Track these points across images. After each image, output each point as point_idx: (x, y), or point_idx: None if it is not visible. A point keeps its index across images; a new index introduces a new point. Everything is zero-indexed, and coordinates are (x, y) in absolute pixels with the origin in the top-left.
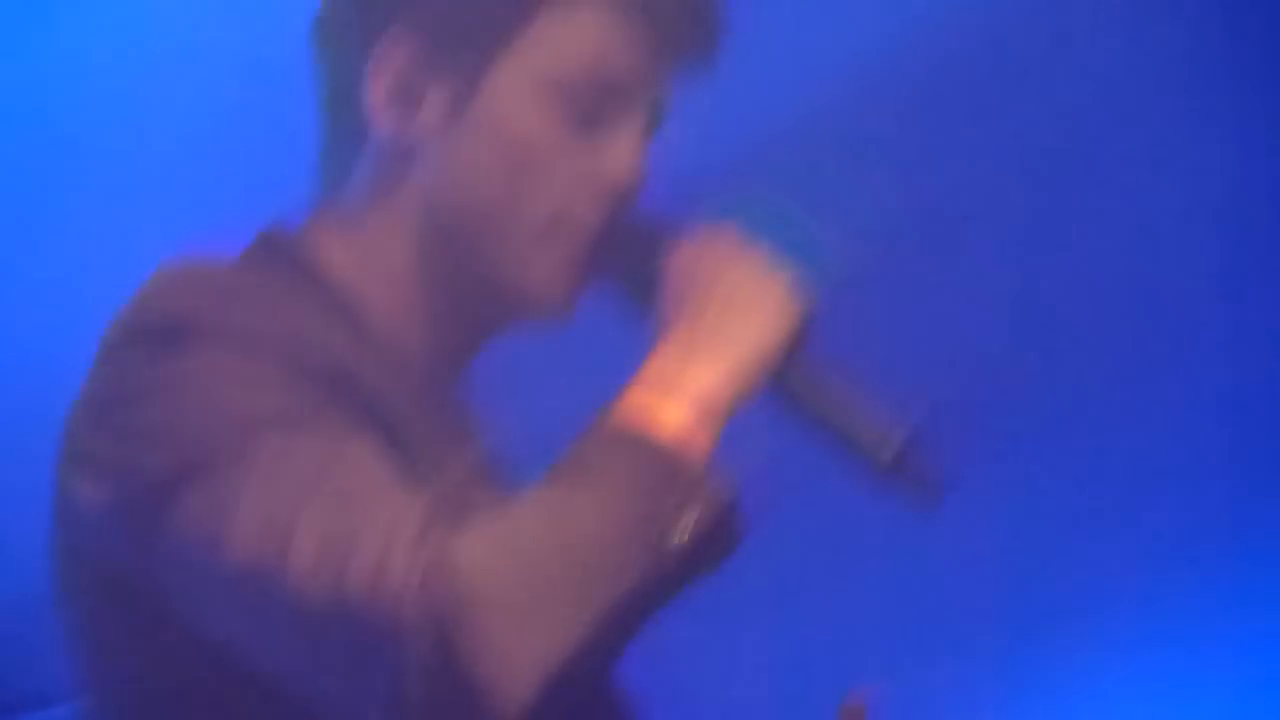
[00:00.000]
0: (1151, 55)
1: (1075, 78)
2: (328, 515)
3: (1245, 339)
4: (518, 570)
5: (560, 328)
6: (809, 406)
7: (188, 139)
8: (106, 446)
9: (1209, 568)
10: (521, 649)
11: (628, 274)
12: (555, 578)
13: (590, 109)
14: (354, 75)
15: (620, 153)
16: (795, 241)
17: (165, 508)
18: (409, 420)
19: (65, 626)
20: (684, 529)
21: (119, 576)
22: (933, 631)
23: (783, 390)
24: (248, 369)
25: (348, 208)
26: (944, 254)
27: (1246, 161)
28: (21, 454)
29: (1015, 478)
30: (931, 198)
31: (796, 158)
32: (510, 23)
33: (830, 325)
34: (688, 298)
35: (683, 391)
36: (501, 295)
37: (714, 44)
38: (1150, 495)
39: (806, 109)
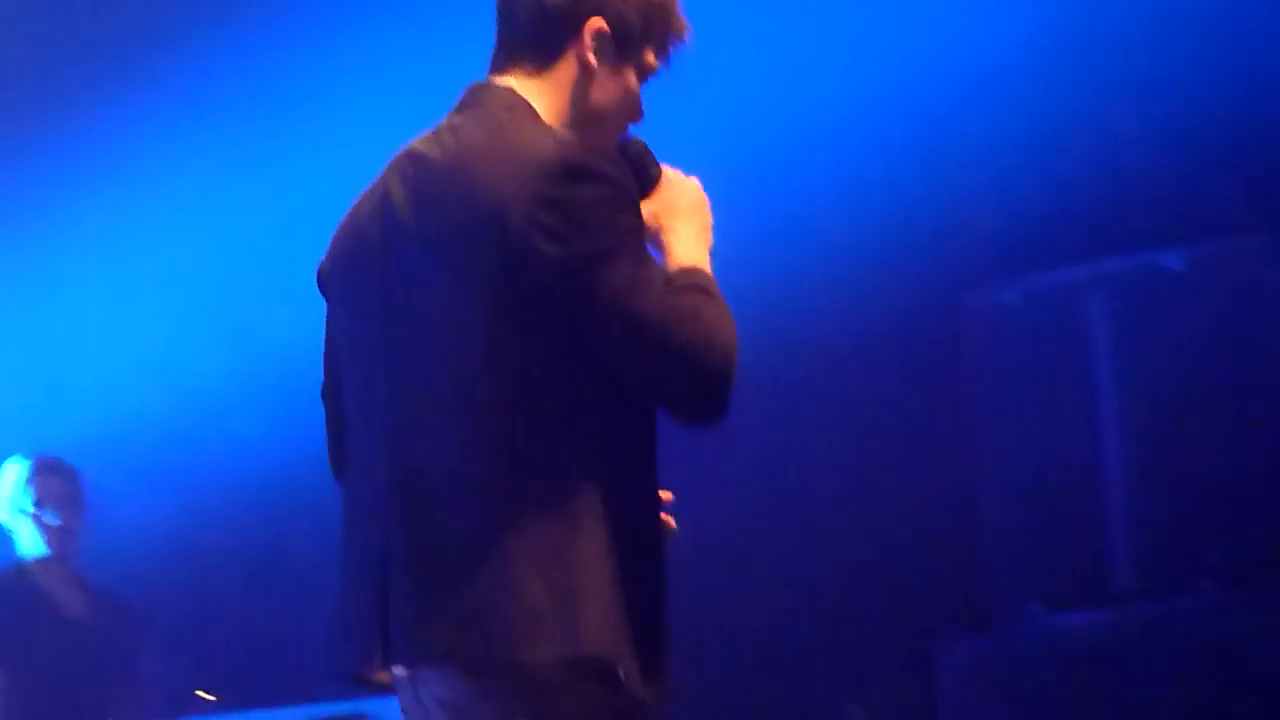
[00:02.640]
0: None
1: None
2: (667, 293)
3: None
4: (731, 328)
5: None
6: None
7: None
8: (561, 224)
9: None
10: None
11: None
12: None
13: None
14: (569, 24)
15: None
16: None
17: (598, 266)
18: None
19: (489, 351)
20: None
21: (542, 307)
22: None
23: None
24: (631, 199)
25: (533, 79)
26: None
27: None
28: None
29: None
30: None
31: None
32: (643, 41)
33: None
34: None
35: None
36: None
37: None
38: None
39: None
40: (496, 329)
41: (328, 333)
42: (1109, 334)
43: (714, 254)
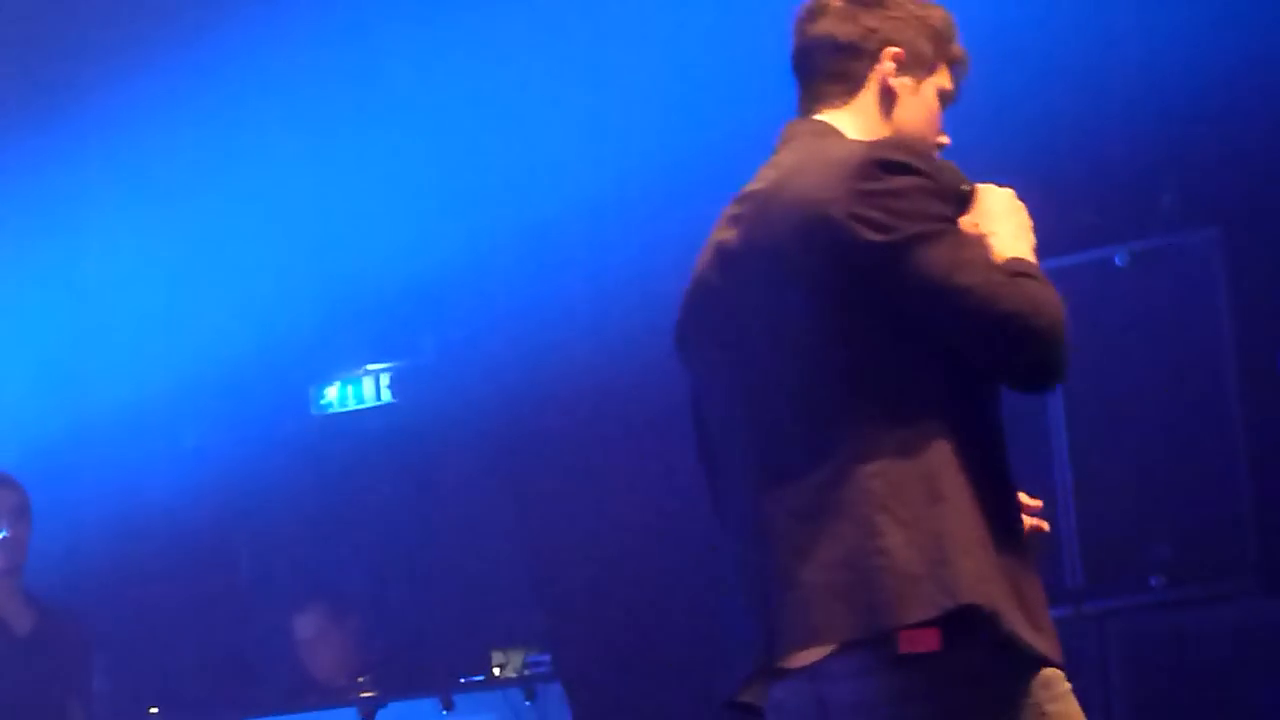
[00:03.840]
0: None
1: None
2: (990, 271)
3: None
4: (1057, 300)
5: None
6: None
7: None
8: (881, 214)
9: None
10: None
11: None
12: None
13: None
14: (873, 53)
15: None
16: None
17: (920, 248)
18: None
19: (829, 339)
20: None
21: (876, 295)
22: None
23: None
24: (943, 189)
25: (841, 109)
26: None
27: None
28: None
29: None
30: None
31: None
32: (935, 63)
33: None
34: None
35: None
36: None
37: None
38: None
39: None
40: (836, 321)
41: (694, 397)
42: None
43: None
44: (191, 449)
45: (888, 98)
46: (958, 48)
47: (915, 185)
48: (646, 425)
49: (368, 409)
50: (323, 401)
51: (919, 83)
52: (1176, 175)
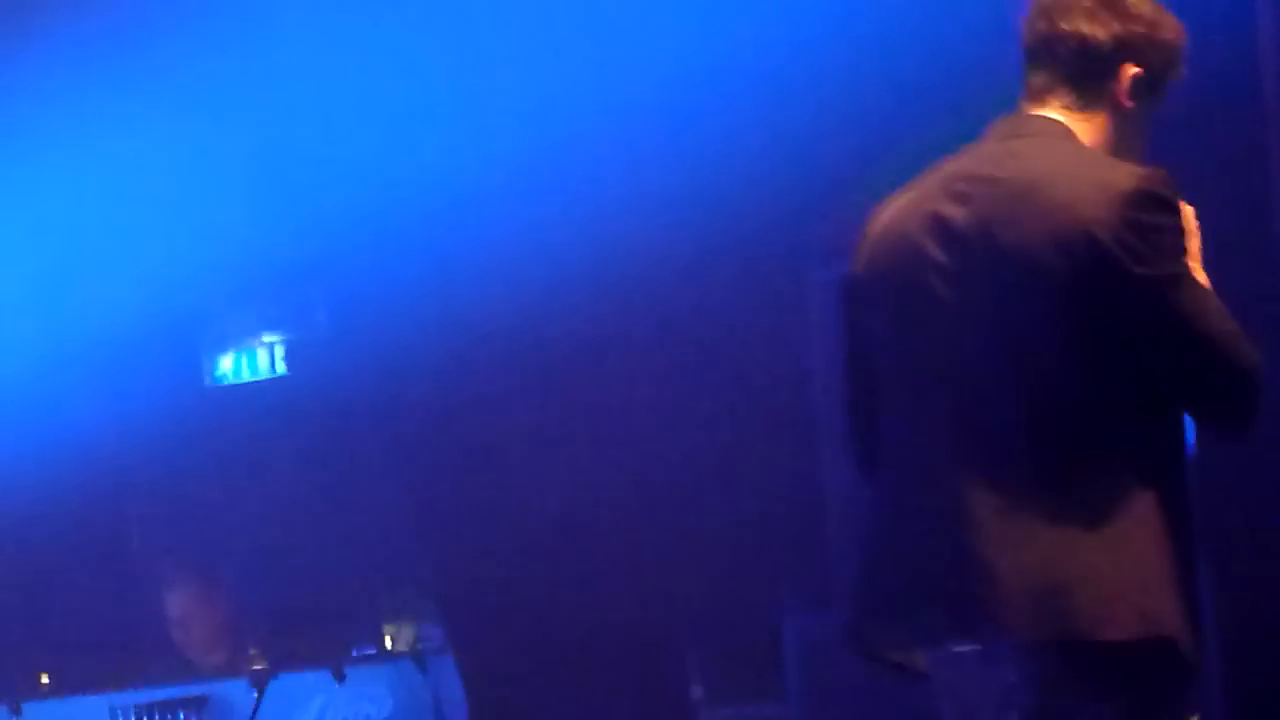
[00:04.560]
0: None
1: None
2: (1225, 321)
3: None
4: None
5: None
6: None
7: None
8: (1145, 247)
9: None
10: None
11: None
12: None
13: None
14: (1115, 60)
15: None
16: None
17: (1173, 288)
18: None
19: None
20: None
21: (1116, 319)
22: None
23: None
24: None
25: (1076, 112)
26: None
27: None
28: None
29: None
30: None
31: None
32: (1162, 88)
33: None
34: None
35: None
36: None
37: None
38: None
39: None
40: (1073, 336)
41: (852, 341)
42: None
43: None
44: (82, 419)
45: (1118, 116)
46: (1181, 69)
47: (1175, 224)
48: (540, 399)
49: (262, 381)
50: (218, 373)
51: (1146, 105)
52: None
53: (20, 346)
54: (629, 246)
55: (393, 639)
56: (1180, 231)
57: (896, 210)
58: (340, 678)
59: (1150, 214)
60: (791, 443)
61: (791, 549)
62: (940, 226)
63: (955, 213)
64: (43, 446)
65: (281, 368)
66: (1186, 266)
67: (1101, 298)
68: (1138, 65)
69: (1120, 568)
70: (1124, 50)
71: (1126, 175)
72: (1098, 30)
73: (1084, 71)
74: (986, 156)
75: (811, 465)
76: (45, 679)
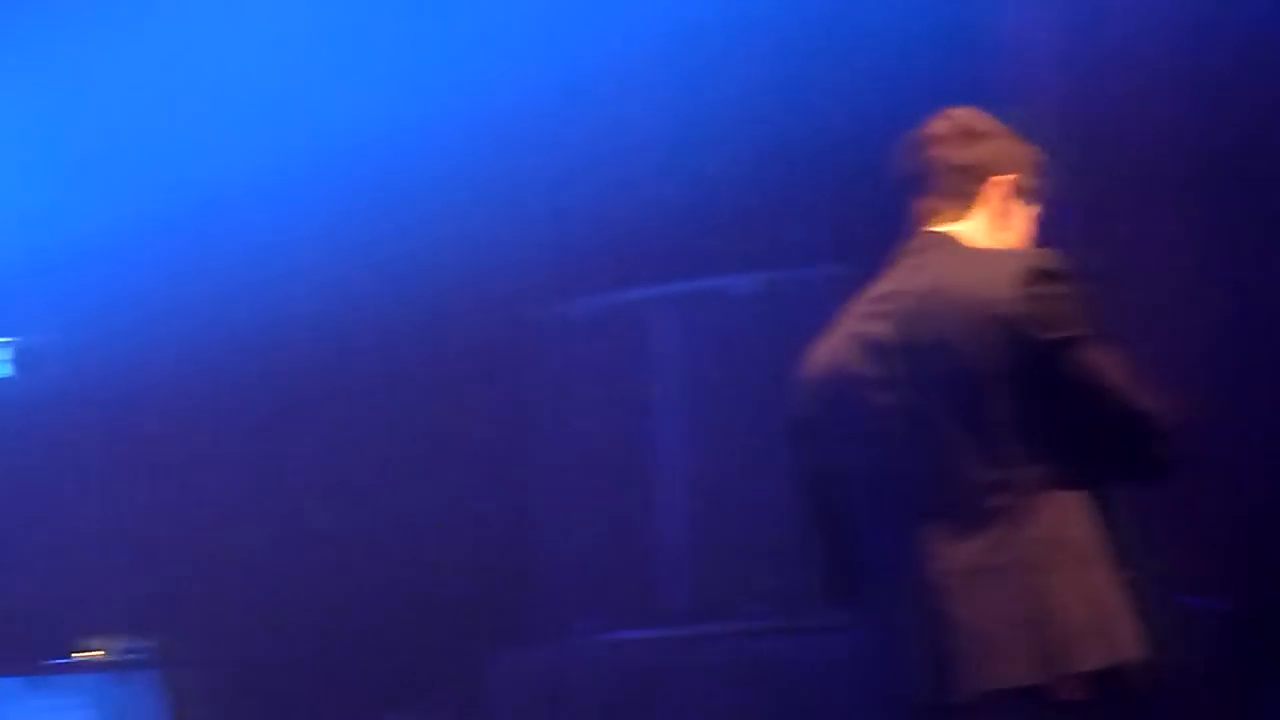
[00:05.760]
0: None
1: None
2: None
3: None
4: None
5: None
6: None
7: None
8: (1046, 314)
9: None
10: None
11: None
12: None
13: None
14: (983, 176)
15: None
16: None
17: (1078, 348)
18: None
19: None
20: None
21: (1034, 381)
22: None
23: None
24: (1082, 294)
25: (963, 227)
26: None
27: None
28: None
29: None
30: None
31: None
32: (1028, 188)
33: None
34: None
35: None
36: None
37: None
38: None
39: None
40: (998, 402)
41: (814, 470)
42: (674, 355)
43: None
44: None
45: (998, 216)
46: (1039, 171)
47: (1070, 292)
48: (269, 406)
49: None
50: None
51: (1019, 203)
52: (805, 210)
53: None
54: (352, 288)
55: (92, 650)
56: (1078, 298)
57: (827, 346)
58: (35, 687)
59: (1046, 286)
60: (507, 481)
61: (498, 585)
62: (867, 344)
63: (878, 329)
64: None
65: (7, 370)
66: (1088, 328)
67: (1019, 366)
68: (1001, 175)
69: (1086, 605)
70: (987, 167)
71: (1019, 259)
72: (964, 155)
73: (959, 190)
74: (898, 276)
75: (527, 503)
76: None
